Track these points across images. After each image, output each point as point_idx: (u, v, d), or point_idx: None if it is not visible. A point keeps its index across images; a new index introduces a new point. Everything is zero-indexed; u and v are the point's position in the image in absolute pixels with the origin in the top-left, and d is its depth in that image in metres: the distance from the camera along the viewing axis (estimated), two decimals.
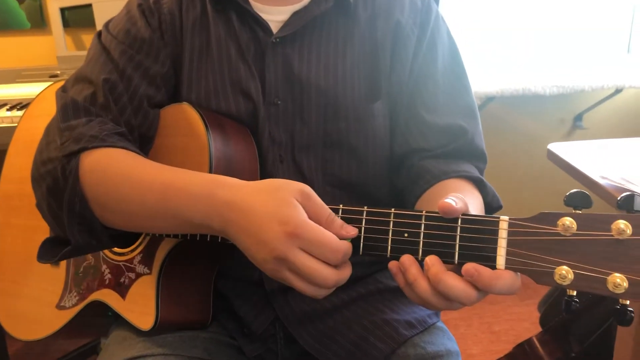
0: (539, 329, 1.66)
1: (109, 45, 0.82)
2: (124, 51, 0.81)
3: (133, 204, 0.69)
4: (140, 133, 0.80)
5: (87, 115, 0.77)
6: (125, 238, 0.77)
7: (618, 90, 2.22)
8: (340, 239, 0.59)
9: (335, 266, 0.59)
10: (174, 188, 0.66)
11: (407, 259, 0.58)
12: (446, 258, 0.56)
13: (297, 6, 0.83)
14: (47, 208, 0.74)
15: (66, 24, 1.96)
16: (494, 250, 0.54)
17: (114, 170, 0.71)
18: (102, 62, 0.81)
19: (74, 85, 0.82)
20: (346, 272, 0.60)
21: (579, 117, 2.44)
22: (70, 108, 0.77)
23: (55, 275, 0.92)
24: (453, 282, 0.55)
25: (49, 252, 0.75)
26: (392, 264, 0.59)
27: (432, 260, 0.56)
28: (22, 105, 1.60)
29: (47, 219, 0.75)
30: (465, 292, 0.55)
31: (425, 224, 0.58)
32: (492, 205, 0.79)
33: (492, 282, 0.54)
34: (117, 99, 0.79)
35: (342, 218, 0.62)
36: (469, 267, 0.54)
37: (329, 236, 0.58)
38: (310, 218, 0.59)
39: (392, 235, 0.59)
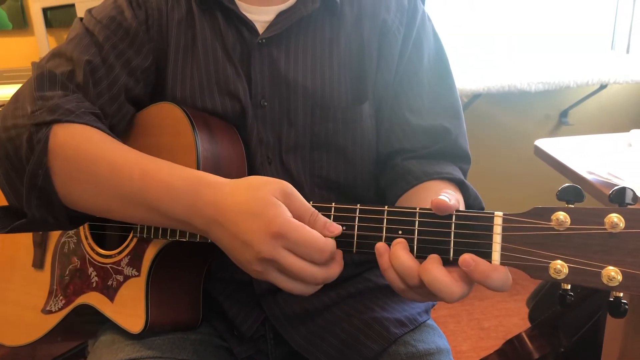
0: (528, 325, 1.67)
1: (93, 28, 0.80)
2: (108, 37, 0.79)
3: (107, 188, 0.67)
4: (112, 124, 0.78)
5: (63, 89, 0.74)
6: (84, 220, 0.74)
7: (603, 86, 2.24)
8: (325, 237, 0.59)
9: (323, 264, 0.59)
10: (155, 179, 0.65)
11: (399, 241, 0.58)
12: (441, 255, 0.56)
13: (282, 6, 0.83)
14: (2, 175, 0.70)
15: (49, 24, 1.94)
16: (489, 246, 0.54)
17: (90, 148, 0.68)
18: (85, 44, 0.78)
19: (49, 60, 0.78)
20: (334, 269, 0.60)
21: (564, 113, 2.46)
22: (46, 79, 0.74)
23: (40, 278, 0.90)
24: (438, 274, 0.54)
25: (1, 222, 0.71)
26: (379, 244, 0.59)
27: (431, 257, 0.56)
28: (3, 107, 1.57)
29: (1, 185, 0.71)
30: (449, 287, 0.54)
31: (419, 221, 0.57)
32: (474, 208, 0.79)
33: (489, 274, 0.53)
34: (96, 82, 0.76)
35: (334, 216, 0.61)
36: (467, 257, 0.54)
37: (314, 235, 0.57)
38: (293, 217, 0.58)
39: (385, 233, 0.59)
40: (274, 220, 0.57)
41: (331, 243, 0.58)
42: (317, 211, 0.60)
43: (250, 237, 0.57)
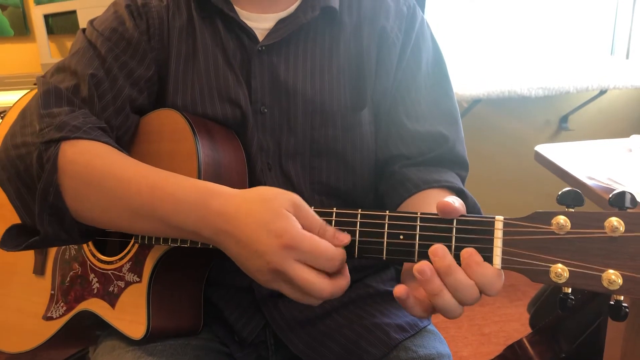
0: (529, 330, 1.67)
1: (95, 41, 0.80)
2: (111, 49, 0.80)
3: (117, 202, 0.67)
4: (118, 135, 0.79)
5: (69, 105, 0.75)
6: (96, 234, 0.75)
7: (602, 92, 2.24)
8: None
9: (331, 275, 0.59)
10: (162, 191, 0.65)
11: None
12: None
13: (282, 14, 0.83)
14: (14, 193, 0.71)
15: (50, 30, 1.95)
16: (490, 250, 0.54)
17: (98, 164, 0.69)
18: (89, 57, 0.79)
19: (54, 75, 0.79)
20: (342, 283, 0.60)
21: (564, 119, 2.47)
22: (52, 95, 0.74)
23: (41, 285, 0.90)
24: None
25: (15, 239, 0.72)
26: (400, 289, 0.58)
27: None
28: (5, 113, 1.58)
29: (14, 203, 0.72)
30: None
31: (420, 226, 0.58)
32: None
33: (480, 268, 0.54)
34: (101, 96, 0.77)
35: (336, 222, 0.61)
36: (467, 249, 0.55)
37: (324, 245, 0.58)
38: (303, 228, 0.59)
39: (387, 238, 0.59)
40: (285, 232, 0.57)
41: (341, 252, 0.59)
42: (325, 222, 0.61)
43: (261, 248, 0.58)
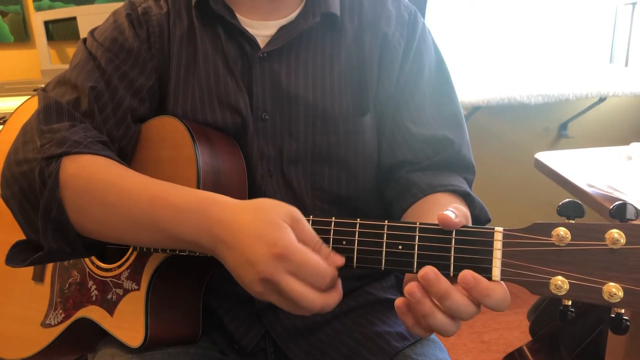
0: (529, 338, 1.67)
1: (96, 52, 0.81)
2: (111, 60, 0.80)
3: (118, 214, 0.68)
4: (120, 146, 0.79)
5: (70, 119, 0.75)
6: (99, 248, 0.75)
7: (602, 99, 2.25)
8: None
9: (322, 290, 0.58)
10: (163, 202, 0.65)
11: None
12: (441, 270, 0.55)
13: (283, 21, 0.83)
14: (18, 209, 0.71)
15: (50, 37, 1.95)
16: (490, 261, 0.54)
17: (99, 178, 0.69)
18: (89, 70, 0.79)
19: (55, 88, 0.79)
20: (333, 298, 0.59)
21: (564, 126, 2.47)
22: (53, 110, 0.75)
23: (40, 292, 0.90)
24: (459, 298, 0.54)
25: (20, 256, 0.73)
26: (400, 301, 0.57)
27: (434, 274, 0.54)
28: (5, 119, 1.58)
29: (18, 219, 0.72)
30: (468, 306, 0.54)
31: (419, 236, 0.57)
32: (480, 219, 0.79)
33: (488, 292, 0.53)
34: (101, 108, 0.77)
35: (334, 231, 0.61)
36: (467, 274, 0.53)
37: (316, 260, 0.57)
38: (298, 241, 0.58)
39: (386, 248, 0.59)
40: (278, 241, 0.57)
41: (332, 270, 0.58)
42: (322, 241, 0.60)
43: (253, 257, 0.57)
